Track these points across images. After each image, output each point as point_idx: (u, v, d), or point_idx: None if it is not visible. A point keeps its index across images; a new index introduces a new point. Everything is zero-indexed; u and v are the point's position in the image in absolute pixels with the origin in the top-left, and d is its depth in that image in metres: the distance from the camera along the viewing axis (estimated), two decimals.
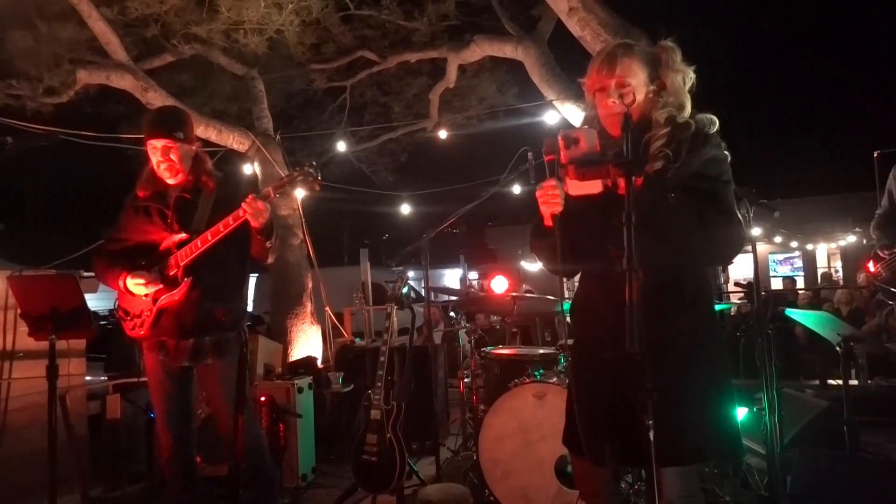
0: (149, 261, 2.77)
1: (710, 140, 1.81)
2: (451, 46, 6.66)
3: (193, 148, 2.87)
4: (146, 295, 2.75)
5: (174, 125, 2.81)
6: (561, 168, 1.74)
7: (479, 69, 7.80)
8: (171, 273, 2.74)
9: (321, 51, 7.08)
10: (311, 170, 2.62)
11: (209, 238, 2.67)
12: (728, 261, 1.89)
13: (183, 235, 2.76)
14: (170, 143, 2.76)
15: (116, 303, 2.88)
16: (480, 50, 6.25)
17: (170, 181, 2.83)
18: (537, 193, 1.85)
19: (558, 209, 1.82)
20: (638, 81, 1.83)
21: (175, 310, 2.75)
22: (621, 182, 1.64)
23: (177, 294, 2.73)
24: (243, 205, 2.58)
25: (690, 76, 1.87)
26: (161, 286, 2.74)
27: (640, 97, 1.83)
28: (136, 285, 2.71)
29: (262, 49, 5.90)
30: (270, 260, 2.93)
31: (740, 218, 1.83)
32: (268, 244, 2.74)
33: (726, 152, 1.84)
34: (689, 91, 1.87)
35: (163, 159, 2.77)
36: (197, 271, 2.74)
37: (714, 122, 1.85)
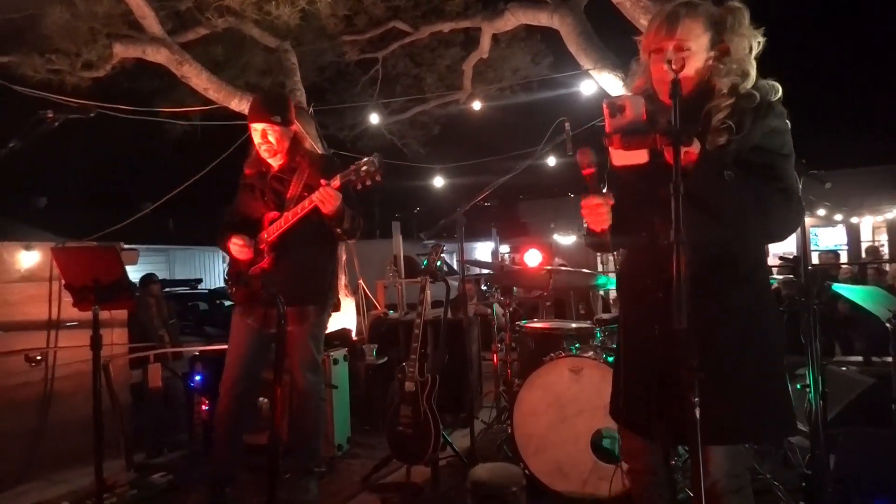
0: (250, 235, 3.06)
1: (773, 109, 1.70)
2: (484, 16, 6.52)
3: (293, 129, 3.10)
4: (244, 262, 3.04)
5: (273, 110, 3.03)
6: (605, 137, 1.68)
7: (512, 39, 7.65)
8: (261, 247, 3.04)
9: (353, 22, 7.02)
10: (375, 160, 2.78)
11: (289, 217, 2.95)
12: (783, 239, 1.78)
13: (276, 213, 3.04)
14: (268, 127, 2.99)
15: (226, 269, 3.24)
16: (515, 19, 6.11)
17: (271, 161, 3.09)
18: (582, 211, 1.79)
19: (606, 226, 1.76)
20: (699, 45, 1.72)
21: (264, 279, 3.00)
22: (669, 152, 1.58)
23: (264, 265, 3.02)
24: (317, 191, 2.80)
25: (758, 41, 1.74)
26: (252, 256, 3.03)
27: (698, 63, 1.72)
28: (234, 245, 3.02)
29: (294, 21, 5.85)
30: (352, 241, 3.24)
31: (800, 194, 1.73)
32: (338, 230, 2.97)
33: (788, 122, 1.72)
34: (756, 58, 1.74)
35: (262, 141, 3.03)
36: (283, 247, 3.02)
37: (777, 90, 1.73)
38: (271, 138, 3.00)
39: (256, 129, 3.00)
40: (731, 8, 1.73)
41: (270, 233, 3.01)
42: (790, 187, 1.69)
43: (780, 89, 1.74)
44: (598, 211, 1.75)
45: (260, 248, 3.03)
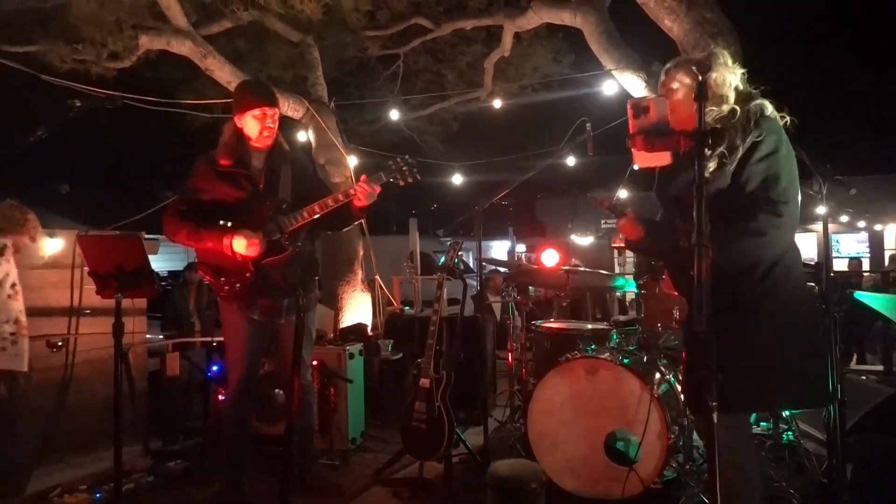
0: (240, 224, 2.94)
1: (761, 127, 1.90)
2: (507, 13, 6.50)
3: None
4: (244, 256, 2.90)
5: (276, 95, 3.10)
6: (628, 138, 1.68)
7: (534, 37, 7.61)
8: (276, 238, 2.96)
9: (376, 17, 7.02)
10: (413, 161, 2.96)
11: (316, 210, 2.94)
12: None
13: (268, 201, 2.99)
14: (275, 111, 3.02)
15: (196, 260, 3.08)
16: (537, 17, 6.07)
17: (257, 145, 3.04)
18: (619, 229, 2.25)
19: (637, 236, 2.17)
20: (683, 84, 2.08)
21: (276, 271, 2.95)
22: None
23: (283, 258, 2.97)
24: (358, 186, 2.89)
25: (738, 73, 2.06)
26: (265, 249, 2.93)
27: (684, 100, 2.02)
28: (250, 246, 2.87)
29: (317, 15, 5.87)
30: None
31: (759, 226, 1.87)
32: (359, 221, 3.15)
33: (774, 142, 1.90)
34: (737, 88, 2.03)
35: (271, 125, 3.01)
36: (295, 238, 3.01)
37: (763, 110, 1.95)
38: (276, 123, 3.04)
39: (266, 113, 2.97)
40: (712, 53, 2.12)
41: (289, 223, 2.96)
42: (747, 218, 1.86)
43: (769, 107, 1.98)
44: (625, 228, 2.21)
45: (278, 239, 2.97)
